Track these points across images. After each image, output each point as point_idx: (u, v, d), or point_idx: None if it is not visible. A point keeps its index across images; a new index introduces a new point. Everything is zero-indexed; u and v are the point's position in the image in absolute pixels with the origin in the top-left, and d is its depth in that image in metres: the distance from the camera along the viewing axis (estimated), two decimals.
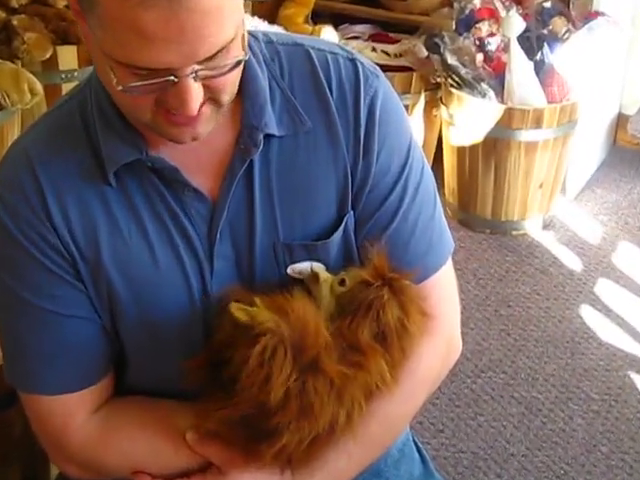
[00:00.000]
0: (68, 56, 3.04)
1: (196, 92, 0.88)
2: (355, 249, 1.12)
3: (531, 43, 3.31)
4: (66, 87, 3.04)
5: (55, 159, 1.02)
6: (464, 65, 3.34)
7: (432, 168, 1.18)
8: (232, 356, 0.98)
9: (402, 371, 1.06)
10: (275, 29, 3.26)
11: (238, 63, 0.91)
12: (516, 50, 3.21)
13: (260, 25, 3.22)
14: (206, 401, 1.03)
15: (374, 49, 3.63)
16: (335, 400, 0.98)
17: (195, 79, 0.88)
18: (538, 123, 3.32)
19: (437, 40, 3.36)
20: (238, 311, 0.96)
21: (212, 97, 0.93)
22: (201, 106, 0.91)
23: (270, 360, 0.93)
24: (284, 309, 0.97)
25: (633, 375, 2.74)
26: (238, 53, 0.91)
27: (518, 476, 2.38)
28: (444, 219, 1.19)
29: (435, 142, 3.79)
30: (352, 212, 1.10)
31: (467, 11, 3.34)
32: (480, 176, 3.50)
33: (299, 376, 0.95)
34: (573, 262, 3.39)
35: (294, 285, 1.07)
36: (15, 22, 2.85)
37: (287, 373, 0.94)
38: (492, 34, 3.33)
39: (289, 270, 1.08)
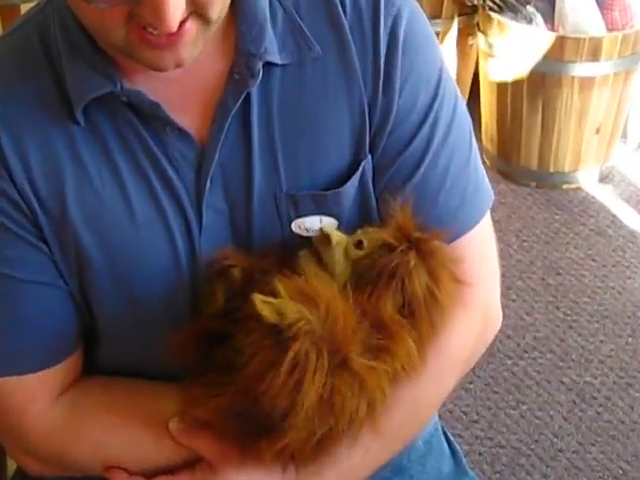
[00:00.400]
0: None
1: (174, 2, 0.85)
2: (374, 203, 1.11)
3: None
4: (25, 8, 2.98)
5: (11, 92, 1.00)
6: None
7: (467, 108, 1.17)
8: (230, 335, 0.99)
9: (430, 349, 1.06)
10: None
11: None
12: None
13: None
14: (195, 384, 1.02)
15: None
16: (358, 394, 0.98)
17: None
18: (595, 55, 3.29)
19: None
20: (264, 306, 0.95)
21: (196, 11, 0.89)
22: (184, 22, 0.88)
23: (304, 366, 0.94)
24: (311, 298, 0.97)
25: None
26: None
27: (567, 476, 2.38)
28: (481, 166, 1.17)
29: (470, 78, 3.77)
30: (370, 157, 1.08)
31: None
32: (524, 118, 3.49)
33: (328, 378, 0.96)
34: (635, 222, 3.36)
35: (299, 245, 1.07)
36: None
37: (322, 379, 0.95)
38: None
39: (294, 226, 1.07)
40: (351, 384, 0.96)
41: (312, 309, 0.96)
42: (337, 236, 1.06)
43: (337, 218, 1.08)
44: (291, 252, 1.06)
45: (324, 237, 1.05)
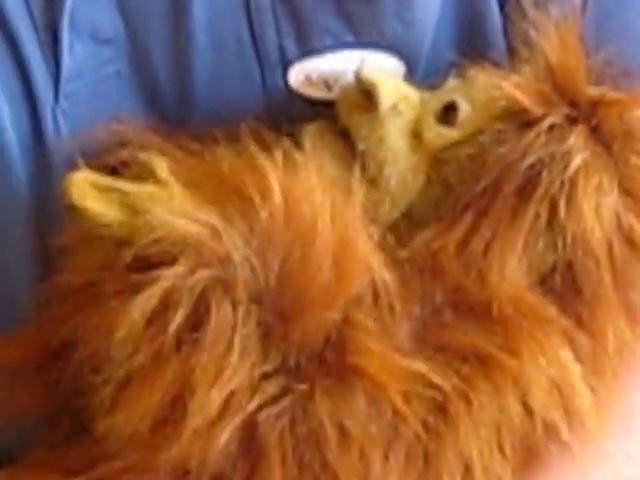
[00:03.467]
0: None
1: None
2: (496, 25, 0.76)
3: None
4: None
5: None
6: None
7: None
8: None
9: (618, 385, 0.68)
10: None
11: None
12: None
13: None
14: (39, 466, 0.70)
15: None
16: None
17: None
18: None
19: None
20: (82, 189, 0.63)
21: None
22: None
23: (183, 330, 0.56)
24: (233, 187, 0.60)
25: None
26: None
27: None
28: None
29: None
30: None
31: None
32: None
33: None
34: None
35: (305, 119, 0.72)
36: None
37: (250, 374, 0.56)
38: None
39: (294, 76, 0.73)
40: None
41: (239, 220, 0.59)
42: (393, 91, 0.67)
43: (406, 59, 0.74)
44: (284, 131, 0.70)
45: (362, 90, 0.68)
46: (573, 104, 0.63)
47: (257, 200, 0.57)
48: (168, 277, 0.54)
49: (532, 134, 0.62)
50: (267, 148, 0.62)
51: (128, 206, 0.59)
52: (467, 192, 0.63)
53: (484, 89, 0.66)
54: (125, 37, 0.74)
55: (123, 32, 0.74)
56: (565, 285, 0.62)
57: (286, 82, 0.73)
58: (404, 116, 0.66)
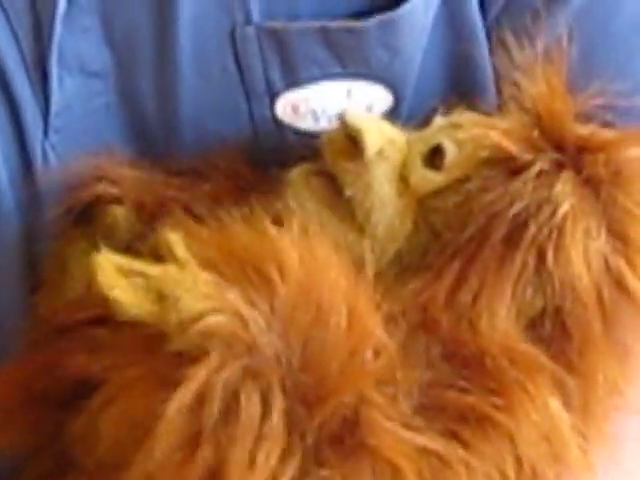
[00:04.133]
0: None
1: None
2: (482, 57, 0.75)
3: None
4: None
5: None
6: None
7: None
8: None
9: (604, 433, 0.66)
10: None
11: None
12: None
13: None
14: None
15: None
16: None
17: None
18: None
19: None
20: (109, 277, 0.60)
21: None
22: None
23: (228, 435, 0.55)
24: (265, 276, 0.59)
25: None
26: None
27: None
28: None
29: None
30: None
31: None
32: None
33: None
34: None
35: (293, 155, 0.72)
36: None
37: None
38: None
39: (280, 107, 0.75)
40: None
41: (260, 301, 0.57)
42: (379, 136, 0.65)
43: (393, 89, 0.75)
44: (269, 168, 0.72)
45: (347, 136, 0.66)
46: (560, 148, 0.62)
47: (276, 278, 0.56)
48: (201, 373, 0.54)
49: (519, 182, 0.61)
50: (276, 216, 0.61)
51: (153, 291, 0.58)
52: (454, 239, 0.62)
53: (471, 135, 0.65)
54: (113, 69, 0.74)
55: (111, 64, 0.73)
56: (554, 330, 0.61)
57: (273, 113, 0.73)
58: (390, 161, 0.64)
